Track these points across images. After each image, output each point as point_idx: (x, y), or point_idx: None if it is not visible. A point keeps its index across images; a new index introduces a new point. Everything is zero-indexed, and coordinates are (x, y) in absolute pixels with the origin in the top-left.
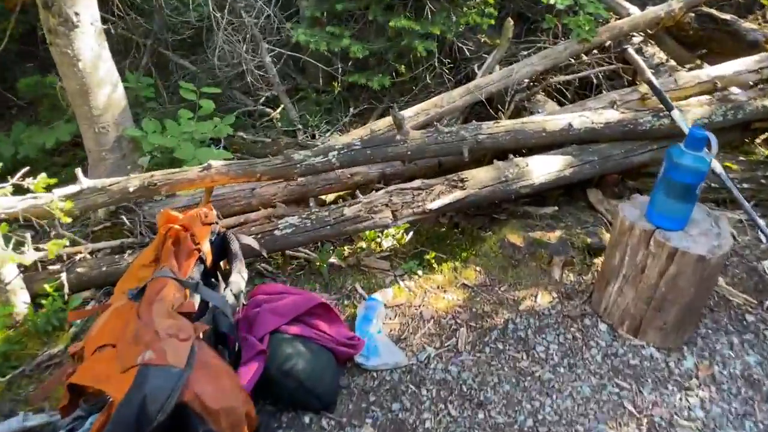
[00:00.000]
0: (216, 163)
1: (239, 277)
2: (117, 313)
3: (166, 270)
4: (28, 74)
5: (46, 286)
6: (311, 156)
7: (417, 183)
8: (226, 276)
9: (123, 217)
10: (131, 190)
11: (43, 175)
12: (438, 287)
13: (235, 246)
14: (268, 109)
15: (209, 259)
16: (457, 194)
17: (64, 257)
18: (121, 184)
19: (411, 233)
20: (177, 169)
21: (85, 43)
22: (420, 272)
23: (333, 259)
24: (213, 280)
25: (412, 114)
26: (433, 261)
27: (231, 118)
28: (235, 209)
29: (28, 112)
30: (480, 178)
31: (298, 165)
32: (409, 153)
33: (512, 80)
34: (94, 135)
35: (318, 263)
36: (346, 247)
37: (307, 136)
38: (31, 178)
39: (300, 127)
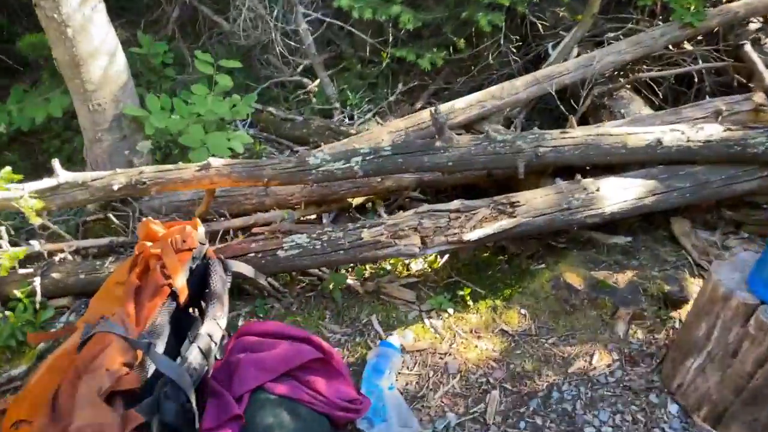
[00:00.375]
0: (216, 163)
1: (214, 327)
2: (54, 367)
3: (114, 322)
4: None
5: (17, 292)
6: (330, 161)
7: (456, 204)
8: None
9: (110, 215)
10: (116, 188)
11: (8, 169)
12: (471, 331)
13: (215, 281)
14: (305, 80)
15: (184, 295)
16: (504, 223)
17: (45, 255)
18: (104, 180)
19: (446, 256)
20: (171, 166)
21: (75, 6)
22: (451, 310)
23: (350, 280)
24: (194, 310)
25: (463, 105)
26: (468, 297)
27: (252, 97)
28: (246, 208)
29: (34, 74)
30: (535, 203)
31: (313, 171)
32: (450, 164)
33: (592, 70)
34: (89, 113)
35: (331, 287)
36: (367, 266)
37: (344, 117)
38: None
39: (337, 105)
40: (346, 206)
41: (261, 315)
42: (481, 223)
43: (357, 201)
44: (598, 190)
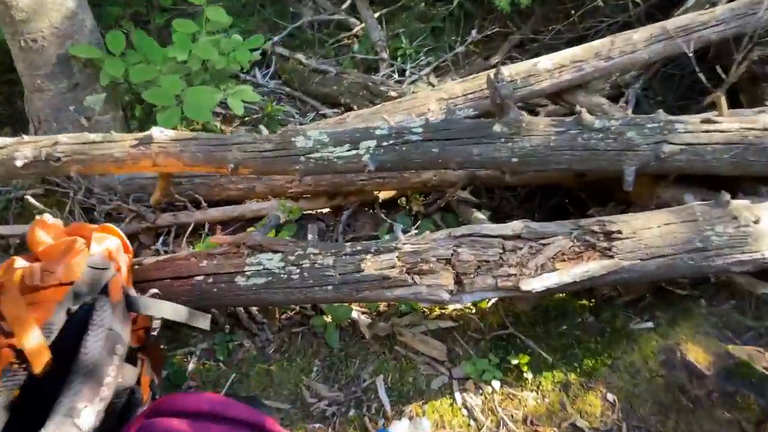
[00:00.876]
0: (161, 136)
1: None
2: None
3: None
4: None
5: None
6: (328, 144)
7: (515, 227)
8: None
9: (29, 197)
10: (19, 164)
11: None
12: (525, 421)
13: (89, 343)
14: (352, 19)
15: (42, 359)
16: (593, 267)
17: None
18: (3, 151)
19: None
20: (97, 137)
21: None
22: (497, 383)
23: (356, 312)
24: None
25: (550, 66)
26: (525, 367)
27: (258, 39)
28: (231, 194)
29: None
30: (648, 237)
31: (302, 158)
32: (514, 161)
33: (755, 22)
34: (21, 51)
35: (326, 322)
36: None
37: (392, 71)
38: None
39: (385, 56)
40: (369, 200)
41: (221, 357)
42: (554, 263)
43: (386, 194)
44: (756, 221)
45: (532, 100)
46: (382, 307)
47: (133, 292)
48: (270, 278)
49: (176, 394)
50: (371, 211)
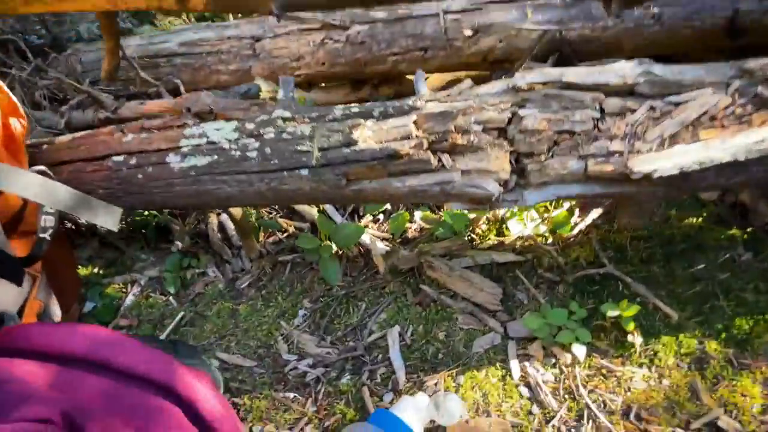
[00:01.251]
0: None
1: None
2: None
3: None
4: None
5: None
6: None
7: (628, 72)
8: None
9: None
10: None
11: None
12: (627, 413)
13: None
14: None
15: None
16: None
17: None
18: None
19: (595, 212)
20: None
21: None
22: (581, 348)
23: (369, 235)
24: None
25: None
26: (631, 324)
27: None
28: (222, 78)
29: None
30: None
31: None
32: None
33: None
34: None
35: (318, 251)
36: (419, 208)
37: None
38: None
39: None
40: (406, 92)
41: (171, 290)
42: (697, 132)
43: (431, 82)
44: None
45: None
46: (411, 232)
47: None
48: (215, 157)
49: (35, 324)
50: None
